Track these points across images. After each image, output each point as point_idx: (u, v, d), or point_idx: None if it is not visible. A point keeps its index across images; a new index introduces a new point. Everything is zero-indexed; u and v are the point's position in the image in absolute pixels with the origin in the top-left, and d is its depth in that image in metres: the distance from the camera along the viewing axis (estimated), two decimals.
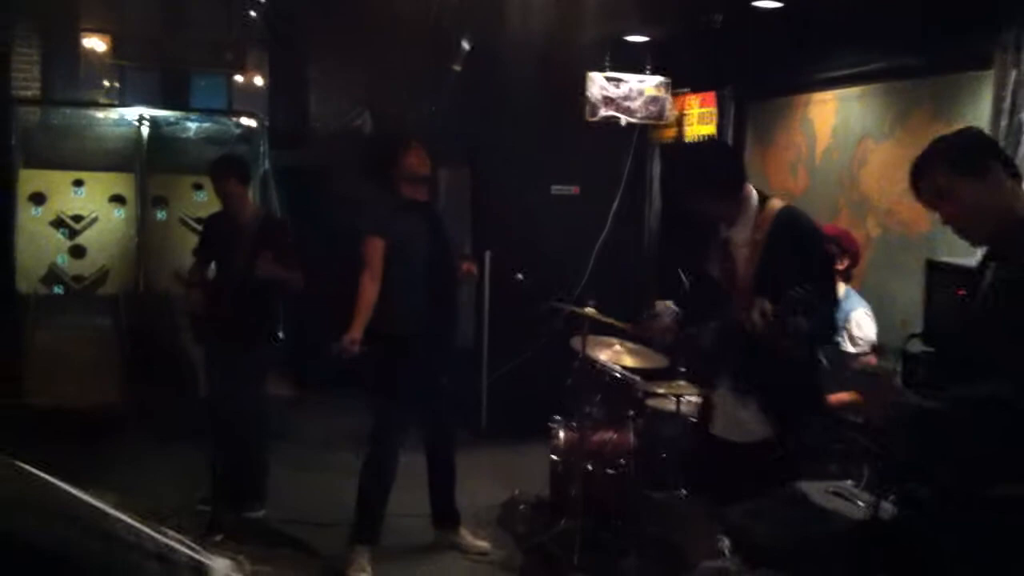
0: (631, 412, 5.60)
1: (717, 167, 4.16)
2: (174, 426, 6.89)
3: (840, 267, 5.02)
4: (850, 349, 4.89)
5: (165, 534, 1.41)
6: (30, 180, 8.21)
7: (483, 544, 5.60)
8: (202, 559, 1.45)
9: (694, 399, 5.25)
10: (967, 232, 3.10)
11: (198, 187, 8.55)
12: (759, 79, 6.93)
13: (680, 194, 4.38)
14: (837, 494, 3.37)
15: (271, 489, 5.95)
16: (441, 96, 8.45)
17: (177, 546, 1.43)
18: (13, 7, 9.34)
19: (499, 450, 7.15)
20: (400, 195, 5.33)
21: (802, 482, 3.44)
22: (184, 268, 6.31)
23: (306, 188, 8.95)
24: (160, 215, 8.61)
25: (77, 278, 8.32)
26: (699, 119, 7.50)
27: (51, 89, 10.28)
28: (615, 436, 5.53)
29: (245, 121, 9.06)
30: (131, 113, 8.62)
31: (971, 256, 3.54)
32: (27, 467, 1.39)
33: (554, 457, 5.70)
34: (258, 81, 12.85)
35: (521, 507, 6.05)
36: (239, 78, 13.53)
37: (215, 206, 6.16)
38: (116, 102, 10.74)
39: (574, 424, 5.58)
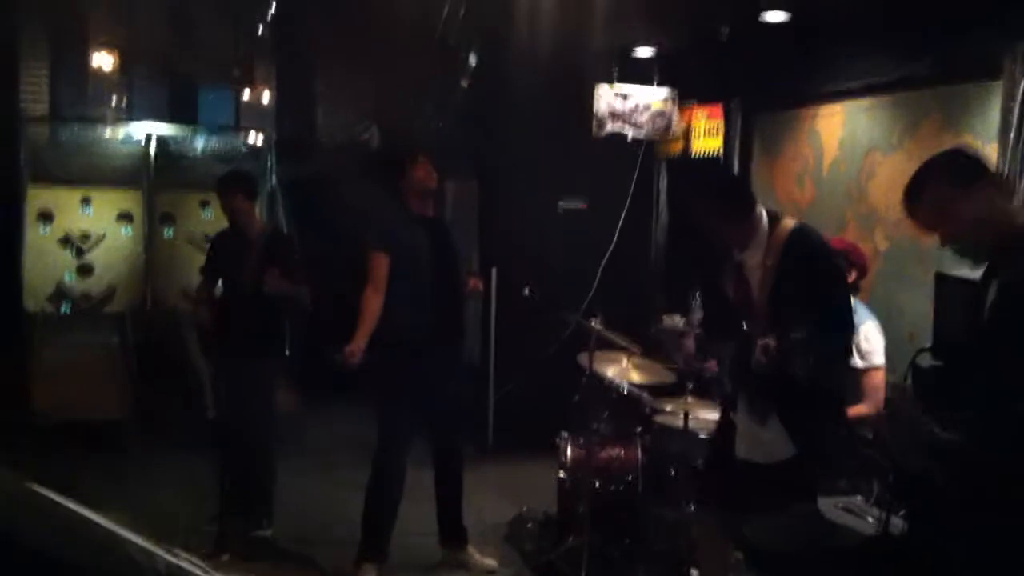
0: (639, 428, 5.58)
1: (724, 194, 4.11)
2: (181, 443, 6.88)
3: (848, 280, 4.99)
4: (859, 362, 4.87)
5: (177, 555, 1.40)
6: (38, 197, 8.22)
7: (491, 562, 5.57)
8: None
9: (703, 415, 5.22)
10: (968, 251, 3.11)
11: (205, 204, 8.56)
12: (766, 91, 6.91)
13: (687, 211, 4.34)
14: (847, 510, 3.36)
15: (278, 506, 5.93)
16: (448, 110, 8.47)
17: (188, 567, 1.42)
18: (21, 23, 9.36)
19: (506, 467, 7.12)
20: (408, 209, 5.33)
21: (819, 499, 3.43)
22: (191, 286, 6.32)
23: (313, 202, 8.96)
24: (167, 232, 8.62)
25: (84, 296, 8.32)
26: (706, 132, 7.49)
27: (59, 105, 10.30)
28: (623, 452, 5.50)
29: (252, 136, 9.07)
30: (139, 129, 8.64)
31: (981, 268, 3.53)
32: (38, 487, 1.38)
33: (561, 474, 5.66)
34: (266, 95, 12.85)
35: (528, 524, 6.03)
36: (247, 92, 13.54)
37: (222, 223, 6.16)
38: (124, 117, 10.74)
39: (582, 440, 5.55)
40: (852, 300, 4.99)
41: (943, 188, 3.02)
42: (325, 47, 10.52)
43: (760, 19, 6.14)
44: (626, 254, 7.90)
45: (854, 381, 4.72)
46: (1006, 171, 4.83)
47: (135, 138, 8.57)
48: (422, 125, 8.89)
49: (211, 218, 8.32)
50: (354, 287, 5.31)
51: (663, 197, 8.11)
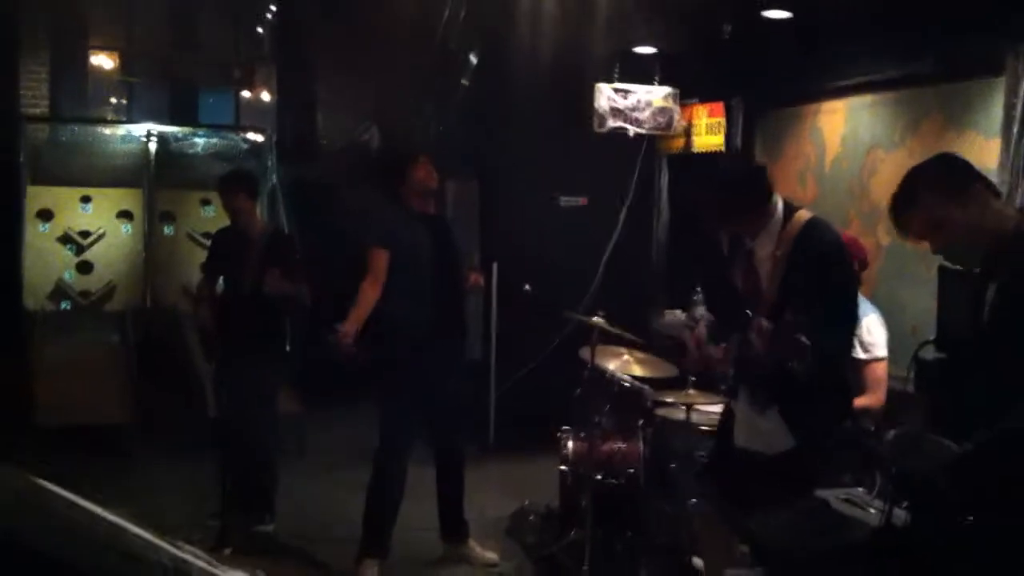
0: (640, 421, 5.58)
1: (743, 180, 4.09)
2: (183, 440, 6.88)
3: None
4: (861, 354, 4.87)
5: (181, 548, 1.40)
6: (38, 197, 8.22)
7: (492, 556, 5.57)
8: (219, 573, 1.44)
9: (705, 408, 5.23)
10: (962, 257, 3.11)
11: (206, 202, 8.56)
12: (768, 89, 6.91)
13: (702, 196, 4.32)
14: (850, 502, 3.35)
15: (280, 503, 5.93)
16: (449, 109, 8.47)
17: (194, 560, 1.42)
18: (22, 24, 9.37)
19: (508, 461, 7.12)
20: (409, 207, 5.33)
21: (819, 491, 3.41)
22: (191, 283, 6.32)
23: (314, 202, 8.95)
24: (167, 230, 8.61)
25: (84, 294, 8.31)
26: (707, 129, 7.49)
27: (59, 106, 10.31)
28: (624, 446, 5.50)
29: (253, 136, 9.08)
30: (139, 129, 8.63)
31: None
32: (43, 482, 1.38)
33: (563, 468, 5.65)
34: (266, 96, 12.86)
35: (530, 518, 6.02)
36: (247, 94, 13.55)
37: (222, 221, 6.16)
38: (124, 118, 10.76)
39: (583, 434, 5.56)
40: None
41: (936, 197, 3.01)
42: (325, 48, 10.53)
43: (762, 16, 6.15)
44: (627, 251, 7.90)
45: (856, 373, 4.72)
46: (1009, 167, 4.84)
47: (135, 137, 8.56)
48: (423, 125, 8.89)
49: (211, 216, 8.31)
50: (355, 287, 5.31)
51: (664, 194, 8.12)
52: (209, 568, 1.43)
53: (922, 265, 5.47)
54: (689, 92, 7.65)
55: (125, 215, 8.46)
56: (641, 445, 5.45)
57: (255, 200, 6.00)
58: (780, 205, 3.96)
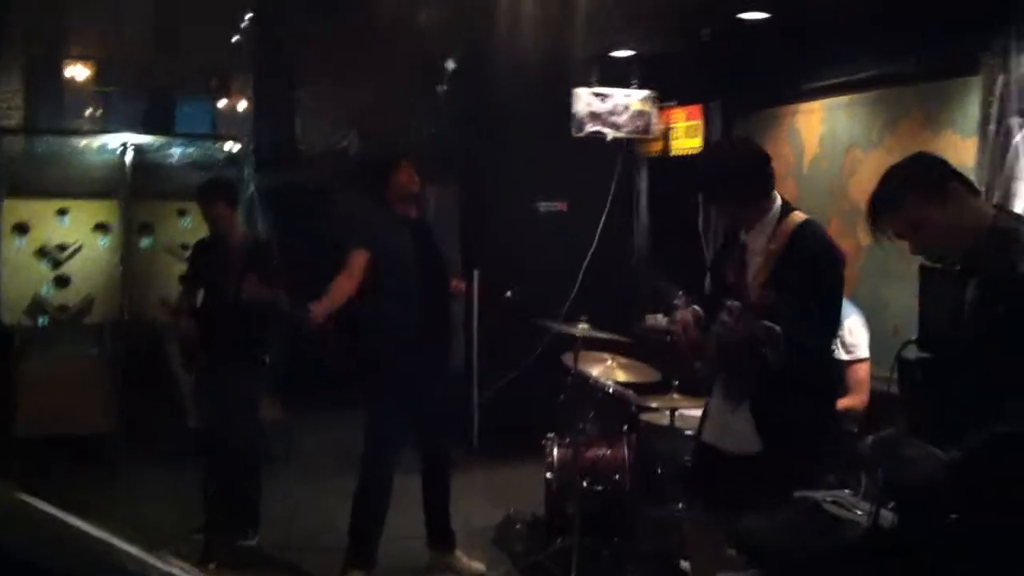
0: (625, 427, 5.57)
1: (747, 168, 4.08)
2: (164, 453, 6.83)
3: None
4: (843, 355, 4.88)
5: (170, 562, 1.38)
6: (13, 210, 8.13)
7: (479, 566, 5.55)
8: None
9: (689, 412, 5.22)
10: (941, 256, 3.11)
11: (183, 213, 8.49)
12: (745, 91, 6.92)
13: (707, 183, 4.33)
14: (836, 503, 3.35)
15: (265, 514, 5.89)
16: (427, 116, 8.46)
17: (181, 574, 1.40)
18: None
19: (492, 469, 7.11)
20: (392, 212, 5.32)
21: (805, 492, 3.41)
22: (170, 295, 6.29)
23: (293, 210, 8.92)
24: (145, 242, 8.54)
25: (62, 308, 8.22)
26: (686, 132, 7.51)
27: (35, 117, 10.24)
28: (609, 452, 5.50)
29: (230, 145, 9.03)
30: (115, 140, 8.57)
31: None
32: (30, 498, 1.37)
33: (548, 475, 5.65)
34: (243, 104, 12.81)
35: (517, 526, 5.99)
36: (224, 102, 13.50)
37: (200, 232, 6.13)
38: (100, 129, 10.69)
39: (568, 441, 5.55)
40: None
41: (915, 197, 3.01)
42: (303, 55, 10.50)
43: (739, 19, 6.16)
44: (607, 255, 7.90)
45: (839, 374, 4.73)
46: (986, 165, 4.87)
47: (111, 148, 8.50)
48: (402, 131, 8.88)
49: (189, 227, 8.25)
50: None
51: (644, 198, 8.13)
52: None
53: (903, 263, 5.48)
54: (667, 95, 7.66)
55: (102, 227, 8.37)
56: (626, 451, 5.45)
57: (235, 208, 5.97)
58: (778, 201, 3.98)
